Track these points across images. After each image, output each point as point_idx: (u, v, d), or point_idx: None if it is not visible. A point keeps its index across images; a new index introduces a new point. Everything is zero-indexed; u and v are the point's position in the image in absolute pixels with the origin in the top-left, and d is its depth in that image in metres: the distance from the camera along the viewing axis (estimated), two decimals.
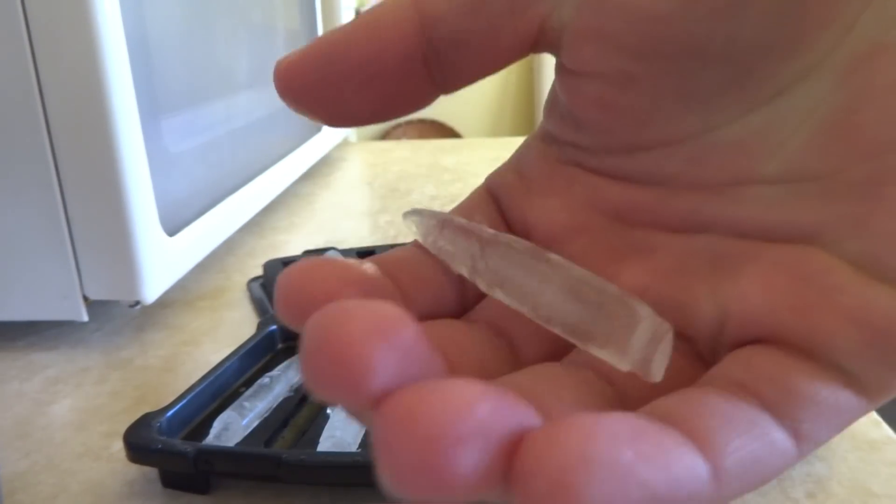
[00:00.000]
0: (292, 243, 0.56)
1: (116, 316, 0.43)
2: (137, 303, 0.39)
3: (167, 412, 0.29)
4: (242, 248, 0.55)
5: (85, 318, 0.39)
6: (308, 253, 0.46)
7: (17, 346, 0.40)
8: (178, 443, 0.28)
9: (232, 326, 0.42)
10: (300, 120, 0.69)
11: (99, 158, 0.36)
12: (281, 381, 0.33)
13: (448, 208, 0.20)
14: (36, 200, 0.36)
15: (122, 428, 0.28)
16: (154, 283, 0.39)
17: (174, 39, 0.44)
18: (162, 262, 0.39)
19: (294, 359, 0.35)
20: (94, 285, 0.38)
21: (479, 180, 0.20)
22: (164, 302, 0.45)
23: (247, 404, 0.31)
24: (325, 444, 0.29)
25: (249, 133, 0.56)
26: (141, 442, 0.27)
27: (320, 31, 0.73)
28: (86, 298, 0.38)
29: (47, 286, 0.38)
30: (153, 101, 0.40)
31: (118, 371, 0.37)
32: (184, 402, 0.30)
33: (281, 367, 0.34)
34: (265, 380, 0.33)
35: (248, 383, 0.33)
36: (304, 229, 0.60)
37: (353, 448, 0.29)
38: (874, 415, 0.32)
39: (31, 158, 0.36)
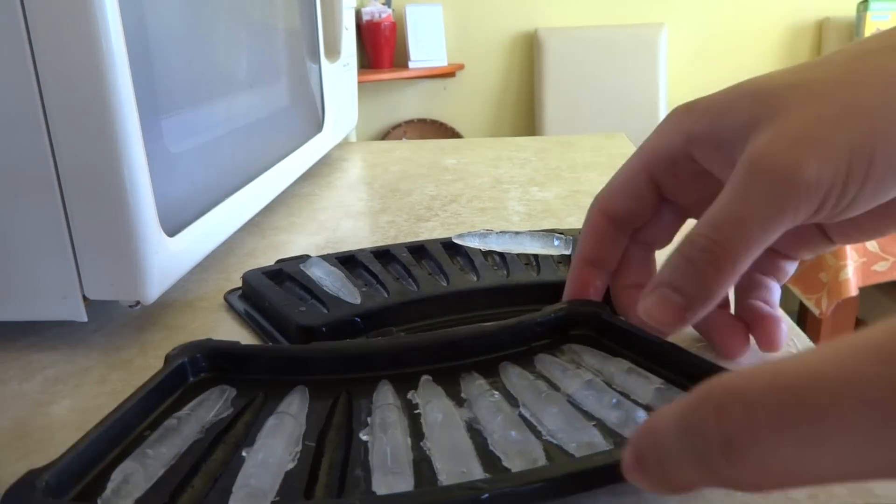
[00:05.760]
0: (293, 243, 0.56)
1: (116, 316, 0.43)
2: (137, 303, 0.39)
3: (55, 466, 0.24)
4: (242, 248, 0.55)
5: (85, 318, 0.39)
6: (280, 262, 0.46)
7: (17, 346, 0.40)
8: None
9: (232, 327, 0.42)
10: (300, 120, 0.69)
11: (99, 158, 0.36)
12: (190, 422, 0.29)
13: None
14: (36, 200, 0.36)
15: None
16: (154, 283, 0.39)
17: (174, 39, 0.44)
18: (162, 262, 0.39)
19: (207, 393, 0.31)
20: (94, 285, 0.38)
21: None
22: (164, 302, 0.45)
23: (150, 451, 0.26)
24: (240, 493, 0.25)
25: (249, 133, 0.56)
26: None
27: (320, 31, 0.73)
28: (86, 298, 0.38)
29: (47, 286, 0.38)
30: (153, 101, 0.40)
31: (118, 371, 0.37)
32: (75, 453, 0.25)
33: (191, 405, 0.30)
34: (172, 421, 0.28)
35: (154, 426, 0.29)
36: (304, 229, 0.60)
37: (271, 498, 0.25)
38: None
39: (30, 158, 0.36)
